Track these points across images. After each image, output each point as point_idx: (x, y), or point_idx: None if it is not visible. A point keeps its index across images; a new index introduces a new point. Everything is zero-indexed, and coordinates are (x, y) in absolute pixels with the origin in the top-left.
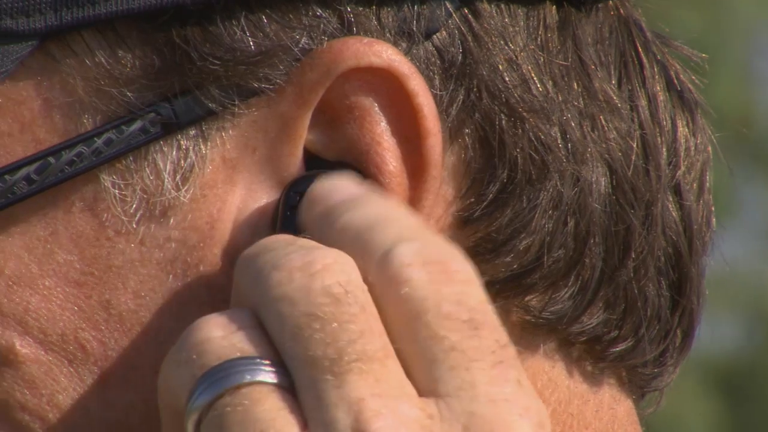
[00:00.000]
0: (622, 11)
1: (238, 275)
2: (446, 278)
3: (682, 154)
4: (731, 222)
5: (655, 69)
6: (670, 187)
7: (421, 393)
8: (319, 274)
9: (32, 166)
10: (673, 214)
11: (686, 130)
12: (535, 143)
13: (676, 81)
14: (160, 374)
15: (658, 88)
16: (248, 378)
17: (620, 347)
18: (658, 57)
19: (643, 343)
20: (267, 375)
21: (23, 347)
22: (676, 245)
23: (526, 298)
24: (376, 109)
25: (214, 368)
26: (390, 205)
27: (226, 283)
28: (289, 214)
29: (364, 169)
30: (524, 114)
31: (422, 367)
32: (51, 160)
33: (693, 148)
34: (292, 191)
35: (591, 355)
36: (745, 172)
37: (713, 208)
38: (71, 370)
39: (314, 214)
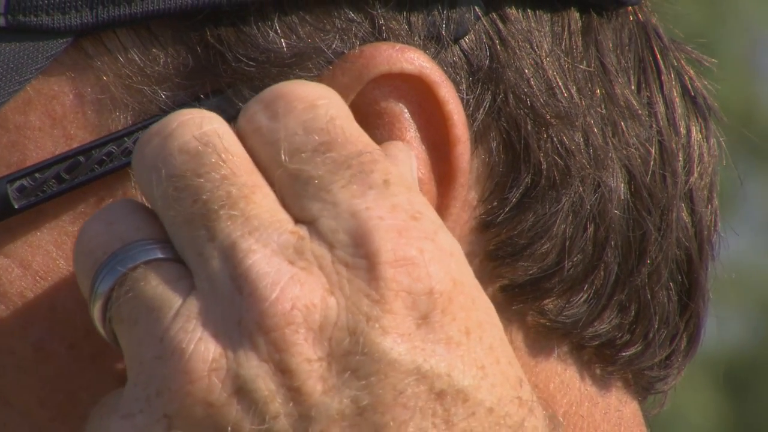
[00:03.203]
0: (640, 17)
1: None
2: (288, 111)
3: (696, 160)
4: (734, 217)
5: (672, 75)
6: (683, 193)
7: (296, 222)
8: (173, 134)
9: (63, 164)
10: (685, 219)
11: (699, 136)
12: (559, 148)
13: (690, 87)
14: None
15: (675, 93)
16: (130, 263)
17: (630, 351)
18: (675, 63)
19: (651, 347)
20: (150, 253)
21: (49, 342)
22: (688, 251)
23: (543, 302)
24: (406, 115)
25: (101, 264)
26: None
27: None
28: None
29: None
30: (549, 119)
31: (290, 201)
32: (81, 159)
33: (706, 155)
34: None
35: (600, 358)
36: (748, 168)
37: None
38: (96, 365)
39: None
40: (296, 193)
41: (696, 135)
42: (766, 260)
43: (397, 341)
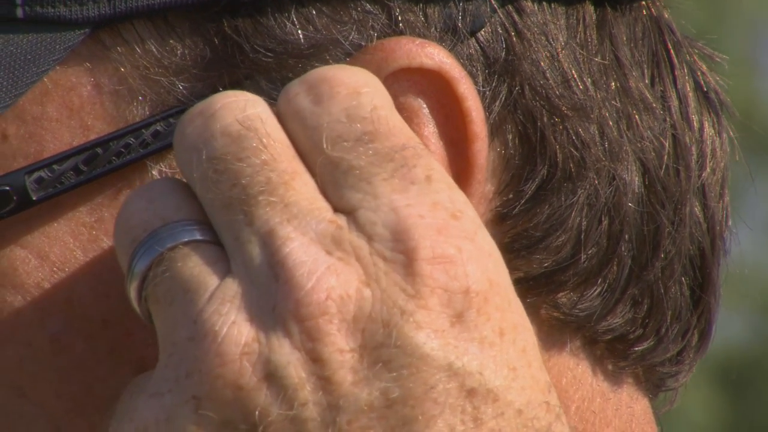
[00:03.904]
0: (653, 11)
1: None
2: (332, 96)
3: (709, 155)
4: (735, 215)
5: (685, 70)
6: (696, 187)
7: (335, 210)
8: (215, 116)
9: (81, 156)
10: (698, 214)
11: (712, 131)
12: (575, 140)
13: (703, 82)
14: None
15: (689, 88)
16: (168, 243)
17: (642, 346)
18: (687, 58)
19: (664, 342)
20: (188, 234)
21: (65, 334)
22: (701, 245)
23: (557, 296)
24: (425, 110)
25: (140, 243)
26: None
27: None
28: None
29: None
30: (565, 111)
31: (330, 189)
32: (99, 150)
33: (718, 150)
34: None
35: (613, 353)
36: (749, 165)
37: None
38: (112, 357)
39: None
40: (336, 181)
41: (709, 130)
42: (767, 258)
43: (431, 336)
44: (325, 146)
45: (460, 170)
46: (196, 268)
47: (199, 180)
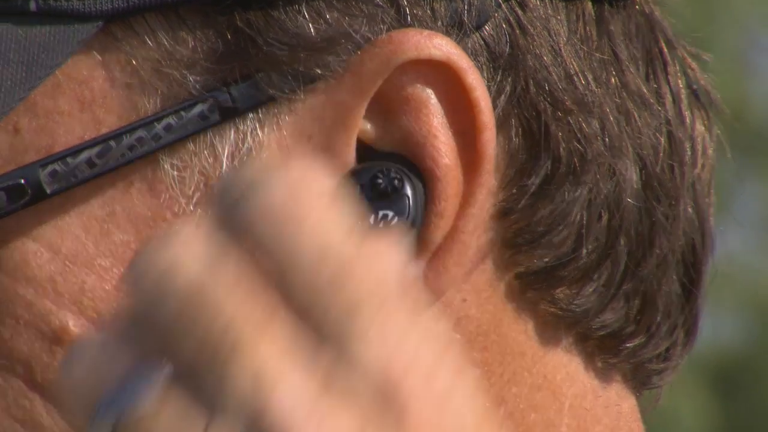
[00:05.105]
0: (646, 9)
1: None
2: (297, 226)
3: (700, 152)
4: (726, 216)
5: (677, 67)
6: (689, 184)
7: (318, 345)
8: (163, 276)
9: (94, 149)
10: (690, 210)
11: (703, 128)
12: (578, 135)
13: (694, 80)
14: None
15: (681, 85)
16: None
17: (634, 342)
18: (679, 56)
19: (655, 338)
20: (141, 395)
21: (76, 327)
22: (692, 243)
23: (555, 291)
24: (433, 101)
25: (94, 408)
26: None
27: None
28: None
29: (420, 161)
30: (569, 106)
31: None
32: (112, 143)
33: (709, 147)
34: (353, 181)
35: (603, 350)
36: (740, 166)
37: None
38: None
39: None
40: (318, 315)
41: (699, 127)
42: (757, 260)
43: None
44: (295, 293)
45: (469, 161)
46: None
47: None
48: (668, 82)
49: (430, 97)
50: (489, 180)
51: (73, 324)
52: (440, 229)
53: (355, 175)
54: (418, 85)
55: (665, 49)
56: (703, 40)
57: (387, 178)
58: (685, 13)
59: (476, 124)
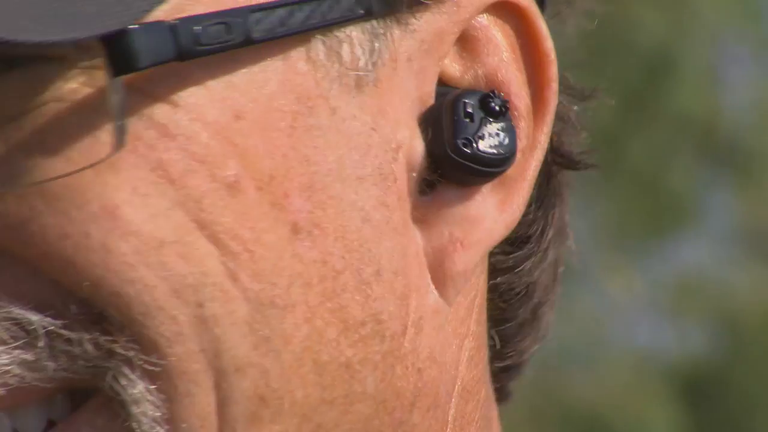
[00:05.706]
0: None
1: None
2: None
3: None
4: (696, 228)
5: None
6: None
7: None
8: None
9: (298, 5)
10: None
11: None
12: None
13: None
14: None
15: None
16: None
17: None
18: None
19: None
20: None
21: (244, 179)
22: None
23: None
24: (514, 44)
25: None
26: None
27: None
28: (466, 121)
29: (506, 98)
30: None
31: None
32: (297, 8)
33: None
34: (462, 100)
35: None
36: (710, 179)
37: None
38: (275, 209)
39: None
40: None
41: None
42: (728, 272)
43: None
44: None
45: (536, 110)
46: None
47: None
48: None
49: (514, 41)
50: (549, 131)
51: (241, 176)
52: (518, 166)
53: (465, 95)
54: (506, 27)
55: None
56: (674, 53)
57: (499, 99)
58: (657, 26)
59: (548, 74)
